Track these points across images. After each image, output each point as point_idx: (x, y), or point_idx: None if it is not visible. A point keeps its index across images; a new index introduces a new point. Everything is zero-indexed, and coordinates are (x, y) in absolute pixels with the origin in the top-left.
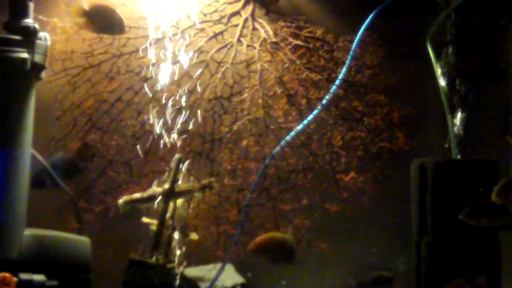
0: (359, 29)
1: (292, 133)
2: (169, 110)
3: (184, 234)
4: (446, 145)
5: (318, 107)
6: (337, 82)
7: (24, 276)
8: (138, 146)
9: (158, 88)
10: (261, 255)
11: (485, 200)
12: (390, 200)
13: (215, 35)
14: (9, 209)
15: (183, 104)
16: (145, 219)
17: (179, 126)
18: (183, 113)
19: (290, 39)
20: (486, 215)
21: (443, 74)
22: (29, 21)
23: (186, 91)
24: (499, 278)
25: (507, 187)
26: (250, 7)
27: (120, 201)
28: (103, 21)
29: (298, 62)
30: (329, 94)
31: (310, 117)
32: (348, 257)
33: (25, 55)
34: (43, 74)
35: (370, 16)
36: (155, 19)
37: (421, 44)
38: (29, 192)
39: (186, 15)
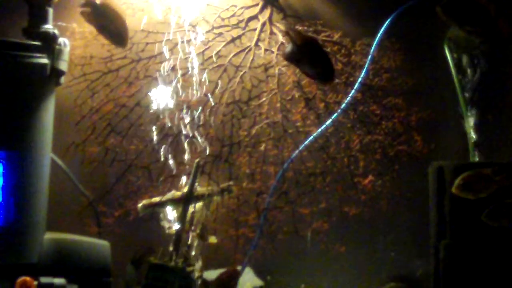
0: (376, 33)
1: (311, 137)
2: (187, 115)
3: (203, 237)
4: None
5: (338, 111)
6: (356, 85)
7: (45, 279)
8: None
9: (176, 93)
10: None
11: (505, 201)
12: (408, 203)
13: (233, 39)
14: (28, 213)
15: (201, 108)
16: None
17: (197, 130)
18: (201, 118)
19: None
20: (507, 216)
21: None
22: (48, 27)
23: (204, 95)
24: None
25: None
26: (267, 12)
27: (140, 205)
28: (110, 27)
29: None
30: (348, 97)
31: (329, 121)
32: (366, 260)
33: (44, 60)
34: (63, 79)
35: (388, 20)
36: (173, 24)
37: (438, 47)
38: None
39: (204, 19)
